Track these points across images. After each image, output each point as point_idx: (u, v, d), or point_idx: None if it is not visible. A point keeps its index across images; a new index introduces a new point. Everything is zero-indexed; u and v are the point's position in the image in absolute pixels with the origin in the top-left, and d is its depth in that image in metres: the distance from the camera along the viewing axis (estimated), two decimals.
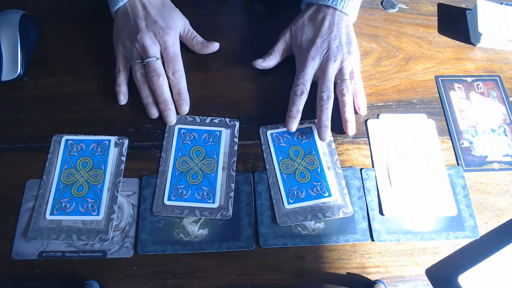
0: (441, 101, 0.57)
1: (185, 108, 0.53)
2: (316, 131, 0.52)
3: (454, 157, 0.53)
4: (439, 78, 0.59)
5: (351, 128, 0.52)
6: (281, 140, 0.52)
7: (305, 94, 0.52)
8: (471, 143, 0.54)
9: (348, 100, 0.52)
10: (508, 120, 0.56)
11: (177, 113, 0.53)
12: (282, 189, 0.49)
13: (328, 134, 0.50)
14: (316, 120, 0.52)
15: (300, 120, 0.52)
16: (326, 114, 0.51)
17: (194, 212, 0.47)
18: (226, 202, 0.48)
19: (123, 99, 0.53)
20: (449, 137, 0.54)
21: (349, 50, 0.54)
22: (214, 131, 0.52)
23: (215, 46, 0.57)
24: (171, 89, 0.53)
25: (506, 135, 0.55)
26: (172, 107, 0.52)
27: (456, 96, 0.58)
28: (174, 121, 0.52)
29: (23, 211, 0.46)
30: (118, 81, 0.53)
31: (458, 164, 0.52)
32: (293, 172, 0.50)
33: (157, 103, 0.52)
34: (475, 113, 0.56)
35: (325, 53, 0.53)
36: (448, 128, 0.55)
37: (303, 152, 0.51)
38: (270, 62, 0.56)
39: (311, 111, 0.54)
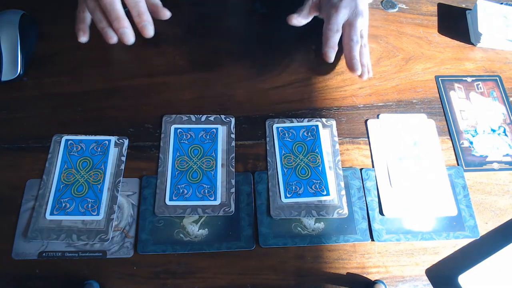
0: (441, 101, 0.57)
1: (150, 30, 0.47)
2: (321, 130, 0.53)
3: (454, 157, 0.53)
4: (439, 78, 0.59)
5: (370, 71, 0.54)
6: (286, 135, 0.52)
7: (339, 32, 0.54)
8: (471, 143, 0.54)
9: (365, 43, 0.55)
10: (508, 120, 0.56)
11: (143, 35, 0.48)
12: (281, 182, 0.49)
13: (359, 65, 0.52)
14: (322, 119, 0.54)
15: (308, 117, 0.53)
16: (355, 51, 0.53)
17: (196, 210, 0.47)
18: (227, 198, 0.48)
19: (82, 35, 0.51)
20: (449, 137, 0.55)
21: (366, 13, 0.56)
22: (211, 129, 0.52)
23: (165, 14, 0.52)
24: (129, 14, 0.48)
25: (506, 135, 0.55)
26: (128, 24, 0.47)
27: (456, 96, 0.58)
28: (133, 41, 0.48)
29: (23, 211, 0.46)
30: (76, 20, 0.51)
31: (458, 164, 0.52)
32: (294, 168, 0.50)
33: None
34: (475, 113, 0.56)
35: (354, 9, 0.55)
36: (448, 128, 0.55)
37: (307, 149, 0.52)
38: (303, 19, 0.57)
39: (319, 105, 0.54)
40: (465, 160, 0.53)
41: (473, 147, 0.54)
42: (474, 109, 0.57)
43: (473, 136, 0.54)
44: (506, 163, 0.53)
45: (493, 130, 0.55)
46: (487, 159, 0.53)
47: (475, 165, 0.52)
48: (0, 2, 0.59)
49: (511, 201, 0.51)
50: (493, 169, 0.52)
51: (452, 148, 0.54)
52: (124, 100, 0.54)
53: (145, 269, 0.44)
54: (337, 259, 0.46)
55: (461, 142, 0.54)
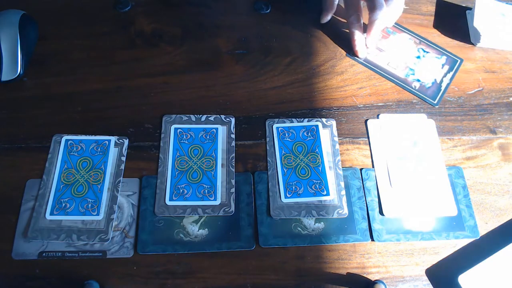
0: None
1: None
2: (321, 130, 0.53)
3: (454, 157, 0.53)
4: None
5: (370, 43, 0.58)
6: (286, 135, 0.52)
7: (360, 21, 0.58)
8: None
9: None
10: (417, 41, 0.60)
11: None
12: (281, 182, 0.49)
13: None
14: (322, 119, 0.53)
15: (308, 117, 0.53)
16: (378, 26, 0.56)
17: (196, 210, 0.47)
18: (227, 198, 0.48)
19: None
20: (449, 137, 0.54)
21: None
22: (211, 129, 0.52)
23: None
24: None
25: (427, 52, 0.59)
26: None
27: None
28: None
29: (23, 211, 0.46)
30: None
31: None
32: (294, 168, 0.50)
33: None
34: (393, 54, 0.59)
35: None
36: None
37: (307, 149, 0.52)
38: (328, 16, 0.62)
39: (319, 105, 0.54)
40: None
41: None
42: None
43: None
44: None
45: (418, 58, 0.60)
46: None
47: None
48: (0, 2, 0.59)
49: (511, 201, 0.51)
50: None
51: (452, 148, 0.54)
52: (124, 100, 0.54)
53: (145, 269, 0.44)
54: (337, 259, 0.46)
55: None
